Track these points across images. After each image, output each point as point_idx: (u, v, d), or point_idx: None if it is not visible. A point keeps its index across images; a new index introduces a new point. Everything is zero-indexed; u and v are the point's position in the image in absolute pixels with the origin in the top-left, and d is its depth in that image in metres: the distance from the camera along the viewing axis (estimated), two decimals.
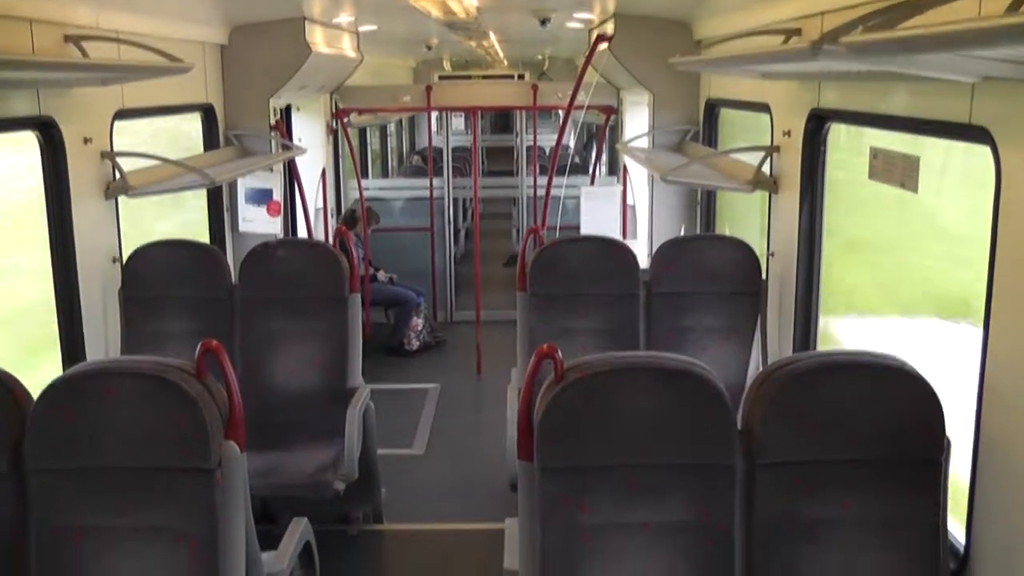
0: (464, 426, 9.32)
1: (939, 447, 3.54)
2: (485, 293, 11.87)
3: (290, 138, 9.79)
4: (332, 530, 6.65)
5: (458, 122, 23.22)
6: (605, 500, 3.59)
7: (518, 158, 15.93)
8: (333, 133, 11.54)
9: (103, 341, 6.10)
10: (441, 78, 18.86)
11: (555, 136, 11.37)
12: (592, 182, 11.51)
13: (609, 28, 8.90)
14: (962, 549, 3.86)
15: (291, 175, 9.49)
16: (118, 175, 6.23)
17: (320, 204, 10.97)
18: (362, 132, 16.91)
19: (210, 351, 3.73)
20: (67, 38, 5.45)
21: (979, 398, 3.76)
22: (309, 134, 10.65)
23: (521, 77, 17.04)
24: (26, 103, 5.28)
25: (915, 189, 4.57)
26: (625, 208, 10.61)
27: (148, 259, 6.30)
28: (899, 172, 4.69)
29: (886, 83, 4.58)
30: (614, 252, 6.38)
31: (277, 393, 6.43)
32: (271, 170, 8.63)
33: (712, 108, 8.47)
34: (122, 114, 6.38)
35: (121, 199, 6.38)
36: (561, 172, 10.91)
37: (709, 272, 6.22)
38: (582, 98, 9.57)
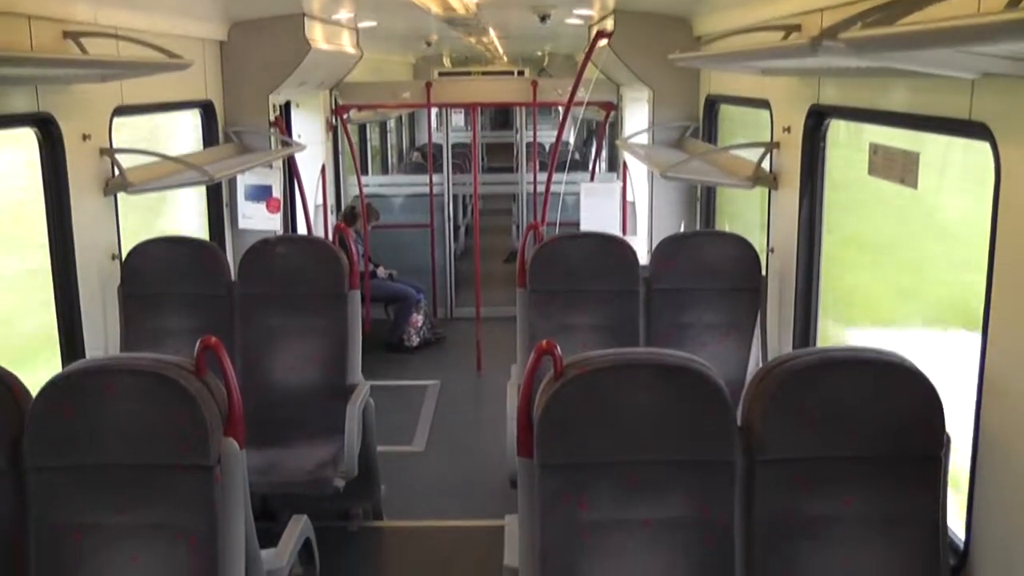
0: (464, 422, 9.32)
1: (939, 443, 3.54)
2: (485, 289, 11.87)
3: (289, 134, 9.78)
4: (332, 527, 6.65)
5: (458, 118, 23.24)
6: (605, 497, 3.59)
7: (518, 154, 15.93)
8: (333, 129, 11.53)
9: (102, 338, 6.09)
10: (441, 74, 18.82)
11: (555, 132, 11.37)
12: (592, 178, 11.50)
13: (609, 24, 8.89)
14: (962, 545, 3.86)
15: (291, 172, 9.48)
16: (117, 172, 6.22)
17: (320, 201, 10.96)
18: (362, 128, 16.89)
19: (209, 348, 3.73)
20: (66, 34, 5.44)
21: (978, 394, 3.75)
22: (308, 130, 10.64)
23: (521, 73, 17.01)
24: (25, 100, 5.28)
25: (915, 185, 4.56)
26: (625, 204, 10.61)
27: (147, 256, 6.29)
28: (899, 168, 4.68)
29: (886, 79, 4.57)
30: (614, 248, 6.38)
31: (277, 390, 6.43)
32: (270, 167, 8.63)
33: (712, 104, 8.47)
34: (121, 110, 6.37)
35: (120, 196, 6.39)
36: (561, 168, 10.90)
37: (709, 268, 6.22)
38: (582, 94, 9.56)
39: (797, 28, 5.29)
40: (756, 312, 6.14)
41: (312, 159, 10.53)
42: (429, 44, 16.48)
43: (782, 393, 3.53)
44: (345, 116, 11.61)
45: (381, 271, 11.85)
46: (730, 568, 3.61)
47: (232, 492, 3.71)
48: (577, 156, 18.40)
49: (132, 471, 3.68)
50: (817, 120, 5.69)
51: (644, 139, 9.19)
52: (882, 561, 3.58)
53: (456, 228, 14.72)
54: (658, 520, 3.60)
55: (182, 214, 8.81)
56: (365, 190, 11.91)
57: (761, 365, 4.40)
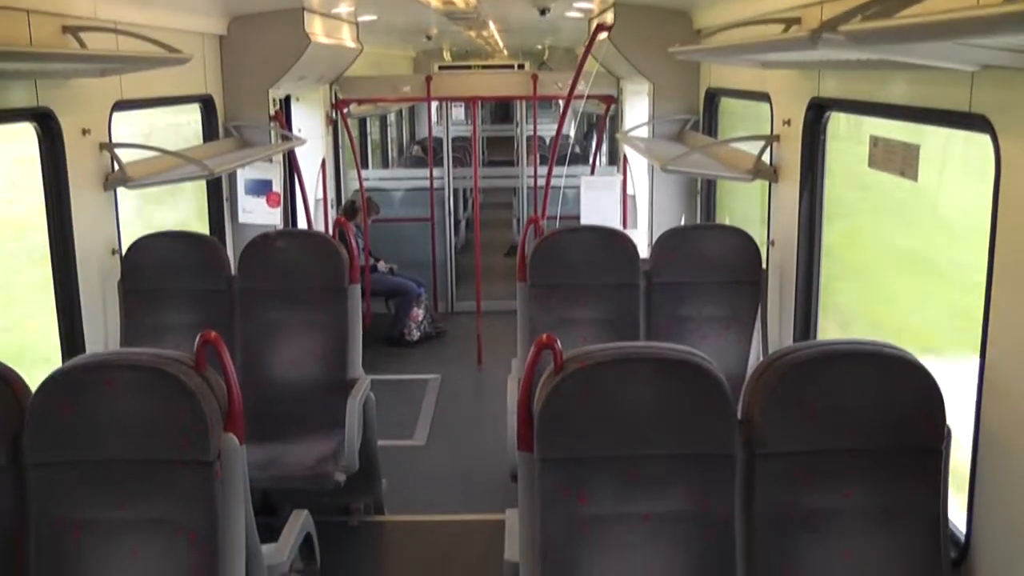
0: (465, 417, 9.32)
1: (940, 436, 3.53)
2: (485, 283, 11.87)
3: (290, 129, 9.77)
4: (333, 522, 6.66)
5: (458, 112, 23.20)
6: (605, 491, 3.58)
7: (518, 148, 15.90)
8: (333, 124, 11.52)
9: (102, 333, 6.09)
10: (441, 68, 18.79)
11: (555, 126, 11.36)
12: (592, 172, 11.52)
13: (609, 17, 8.88)
14: (963, 538, 3.86)
15: (291, 166, 9.48)
16: (117, 166, 6.22)
17: (320, 195, 10.96)
18: (362, 122, 16.89)
19: (209, 343, 3.73)
20: (65, 29, 5.44)
21: (979, 387, 3.75)
22: (309, 125, 10.63)
23: (521, 67, 16.98)
24: (24, 94, 5.27)
25: (915, 177, 4.56)
26: (625, 198, 10.61)
27: (147, 251, 6.29)
28: (899, 160, 4.68)
29: (886, 72, 4.57)
30: (614, 242, 6.37)
31: (277, 385, 6.42)
32: (271, 161, 8.62)
33: (712, 97, 8.46)
34: (121, 105, 6.36)
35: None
36: (561, 162, 10.89)
37: (709, 262, 6.22)
38: (582, 88, 9.56)
39: (797, 21, 5.28)
40: (756, 305, 6.13)
41: (312, 153, 10.53)
42: (429, 38, 16.49)
43: (782, 386, 3.52)
44: (345, 110, 11.60)
45: (381, 265, 11.85)
46: (730, 561, 3.61)
47: (232, 487, 3.71)
48: (577, 150, 18.40)
49: (132, 467, 3.68)
50: (817, 113, 5.68)
51: (644, 132, 9.18)
52: (883, 554, 3.58)
53: (456, 222, 14.71)
54: (658, 514, 3.60)
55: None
56: (365, 184, 11.90)
57: (761, 358, 4.40)
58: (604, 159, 14.83)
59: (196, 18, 7.71)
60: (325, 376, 6.43)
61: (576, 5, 10.37)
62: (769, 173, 6.36)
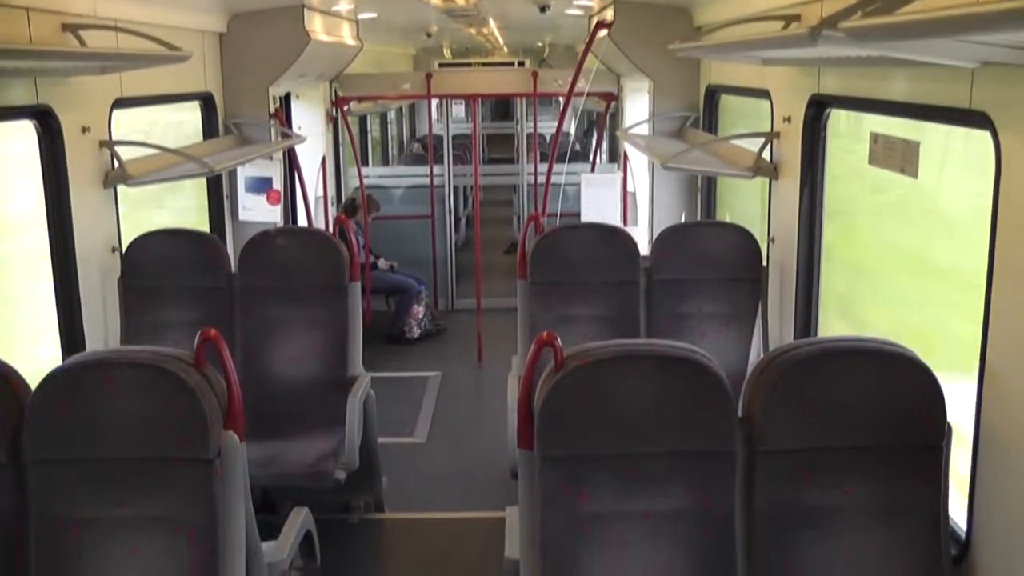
0: (465, 414, 9.32)
1: (940, 433, 3.53)
2: (486, 281, 11.87)
3: (290, 126, 9.77)
4: (333, 519, 6.65)
5: (458, 109, 23.18)
6: (605, 488, 3.58)
7: (518, 145, 15.90)
8: (333, 121, 11.52)
9: (102, 331, 6.09)
10: (441, 65, 18.84)
11: (555, 123, 11.36)
12: (592, 169, 11.51)
13: (609, 14, 8.88)
14: (963, 535, 3.86)
15: (291, 163, 9.48)
16: (117, 164, 6.21)
17: (320, 192, 10.96)
18: (362, 120, 16.88)
19: (209, 340, 3.73)
20: (65, 26, 5.44)
21: (979, 385, 3.75)
22: (309, 122, 10.63)
23: (521, 64, 17.01)
24: (24, 92, 5.27)
25: (915, 174, 4.56)
26: (625, 195, 10.60)
27: (147, 248, 6.29)
28: (899, 157, 4.67)
29: (886, 69, 4.56)
30: (614, 239, 6.37)
31: (277, 382, 6.42)
32: (271, 158, 8.62)
33: (712, 94, 8.45)
34: (121, 103, 6.36)
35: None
36: (561, 159, 10.90)
37: (709, 259, 6.22)
38: (582, 85, 9.55)
39: (797, 18, 5.28)
40: (757, 302, 6.13)
41: (312, 151, 10.52)
42: (429, 35, 16.50)
43: (783, 383, 3.52)
44: (345, 108, 11.60)
45: (382, 263, 11.85)
46: (731, 559, 3.61)
47: (232, 485, 3.71)
48: (578, 147, 18.39)
49: (132, 464, 3.68)
50: (817, 110, 5.68)
51: (644, 129, 9.18)
52: (883, 551, 3.58)
53: (457, 219, 14.71)
54: (659, 512, 3.60)
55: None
56: (365, 181, 11.90)
57: (762, 355, 4.40)
58: (604, 156, 14.84)
59: (196, 15, 7.71)
60: (325, 373, 6.43)
61: (576, 2, 10.38)
62: (769, 170, 6.36)
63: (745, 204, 8.26)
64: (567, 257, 6.29)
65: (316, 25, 8.78)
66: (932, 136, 4.58)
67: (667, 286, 6.28)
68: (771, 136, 6.33)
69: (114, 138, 6.26)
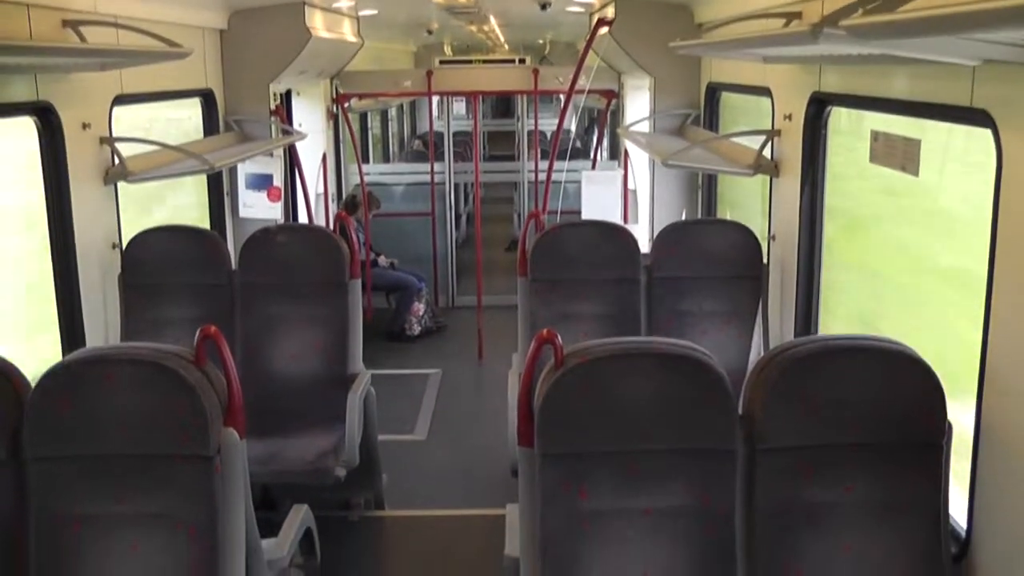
0: (465, 411, 9.32)
1: (940, 431, 3.53)
2: (486, 278, 11.87)
3: (290, 123, 9.77)
4: (333, 516, 6.66)
5: (459, 107, 23.20)
6: (605, 486, 3.58)
7: (519, 143, 15.88)
8: (334, 118, 11.52)
9: (103, 328, 6.09)
10: (442, 63, 18.73)
11: (556, 120, 11.36)
12: (593, 166, 11.49)
13: (610, 12, 8.87)
14: (963, 533, 3.86)
15: (291, 160, 9.48)
16: (117, 160, 6.21)
17: (321, 189, 10.95)
18: (363, 117, 16.87)
19: (209, 337, 3.72)
20: (65, 23, 5.43)
21: (980, 383, 3.75)
22: (309, 119, 10.63)
23: (522, 61, 16.93)
24: (24, 88, 5.27)
25: (916, 172, 4.55)
26: (626, 192, 10.58)
27: (148, 245, 6.28)
28: (900, 155, 4.67)
29: (887, 66, 4.55)
30: (615, 236, 6.37)
31: (277, 379, 6.42)
32: (271, 155, 8.62)
33: (713, 92, 8.45)
34: (121, 99, 6.36)
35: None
36: (562, 156, 10.88)
37: (710, 256, 6.22)
38: (583, 82, 9.54)
39: (798, 15, 5.27)
40: (757, 300, 6.13)
41: (313, 148, 10.52)
42: (430, 32, 16.49)
43: (783, 381, 3.52)
44: (346, 104, 11.59)
45: (382, 260, 11.84)
46: (731, 556, 3.61)
47: (232, 482, 3.71)
48: (578, 144, 18.38)
49: (132, 461, 3.68)
50: (818, 107, 5.67)
51: (645, 127, 9.18)
52: (884, 549, 3.58)
53: (457, 216, 14.71)
54: (659, 509, 3.59)
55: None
56: (366, 178, 11.90)
57: (762, 353, 4.39)
58: (605, 154, 14.84)
59: (196, 12, 7.70)
60: (325, 371, 6.43)
61: (577, 0, 10.37)
62: (770, 168, 6.35)
63: (746, 202, 8.26)
64: (568, 255, 6.29)
65: (317, 22, 8.78)
66: (958, 137, 4.56)
67: (667, 284, 6.28)
68: (772, 134, 6.33)
69: (114, 135, 6.26)
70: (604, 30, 8.83)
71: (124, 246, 6.30)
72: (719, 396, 3.52)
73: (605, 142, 14.48)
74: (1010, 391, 3.54)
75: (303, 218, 9.92)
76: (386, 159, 20.92)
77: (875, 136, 4.92)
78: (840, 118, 5.79)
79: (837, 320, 5.99)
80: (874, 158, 4.94)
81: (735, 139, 7.12)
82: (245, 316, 6.44)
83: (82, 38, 5.48)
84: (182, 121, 8.76)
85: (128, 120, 6.81)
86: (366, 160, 16.28)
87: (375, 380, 6.58)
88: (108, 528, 3.69)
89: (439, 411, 9.30)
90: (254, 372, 6.28)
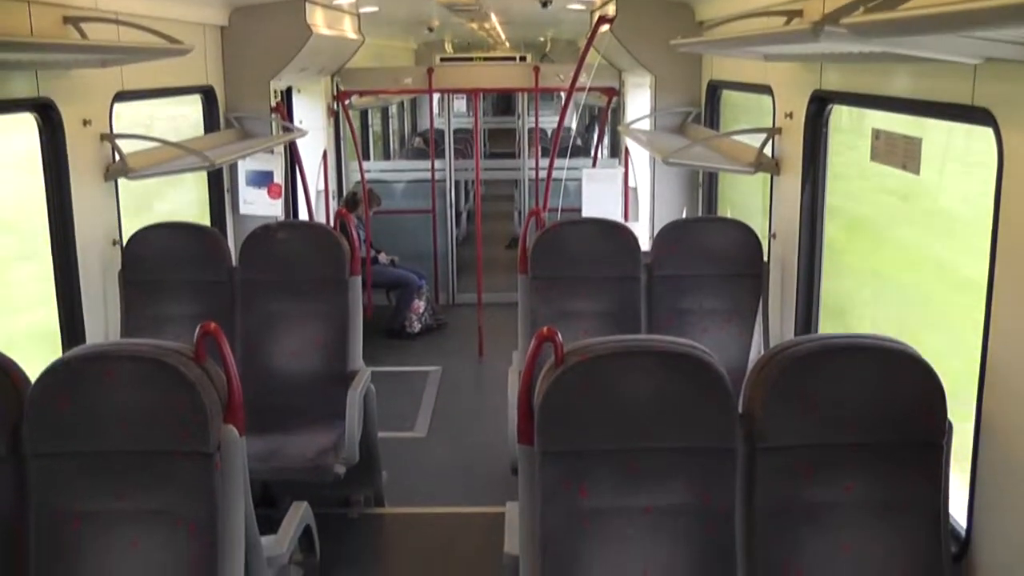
0: (465, 409, 9.32)
1: (940, 430, 3.53)
2: (487, 275, 11.86)
3: (291, 120, 9.77)
4: (333, 514, 6.66)
5: (460, 104, 23.19)
6: (605, 484, 3.58)
7: (520, 140, 15.88)
8: (334, 115, 11.51)
9: (103, 324, 6.09)
10: (443, 60, 18.73)
11: (557, 118, 11.35)
12: (594, 164, 11.49)
13: (611, 9, 8.86)
14: (963, 533, 3.86)
15: (292, 157, 9.47)
16: (118, 157, 6.21)
17: (321, 186, 10.95)
18: (363, 114, 16.85)
19: (209, 334, 3.72)
20: (66, 19, 5.43)
21: (980, 382, 3.74)
22: (310, 116, 10.62)
23: (523, 59, 16.92)
24: (25, 85, 5.26)
25: (917, 171, 4.55)
26: (627, 190, 10.58)
27: (148, 242, 6.29)
28: (901, 153, 4.66)
29: (888, 64, 4.55)
30: (615, 234, 6.37)
31: (277, 376, 6.42)
32: (272, 152, 8.62)
33: (714, 90, 8.45)
34: (122, 96, 6.36)
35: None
36: (563, 154, 10.85)
37: (710, 254, 6.22)
38: (584, 80, 9.53)
39: (799, 13, 5.26)
40: (758, 298, 6.13)
41: (313, 145, 10.51)
42: (431, 30, 16.47)
43: (783, 380, 3.52)
44: (347, 102, 11.58)
45: (383, 257, 11.84)
46: (731, 555, 3.61)
47: (232, 479, 3.70)
48: (579, 142, 18.35)
49: (132, 458, 3.67)
50: (819, 106, 5.67)
51: (646, 125, 9.17)
52: (883, 548, 3.58)
53: (458, 214, 14.70)
54: (659, 507, 3.59)
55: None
56: (367, 176, 11.89)
57: (763, 352, 4.39)
58: (606, 151, 14.82)
59: (197, 9, 7.70)
60: (326, 368, 6.43)
61: None
62: (771, 166, 6.35)
63: (746, 200, 8.25)
64: (568, 252, 6.29)
65: (318, 19, 8.77)
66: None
67: (668, 282, 6.28)
68: (773, 132, 6.33)
69: (115, 131, 6.26)
70: (605, 28, 8.82)
71: (124, 242, 6.29)
72: (719, 394, 3.52)
73: (606, 140, 14.46)
74: (1010, 391, 3.54)
75: (303, 215, 9.91)
76: (387, 156, 20.90)
77: (876, 134, 4.92)
78: (841, 116, 5.78)
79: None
80: (875, 156, 4.94)
81: (736, 137, 7.11)
82: (245, 313, 6.44)
83: (83, 34, 5.47)
84: (176, 119, 8.76)
85: (128, 117, 6.80)
86: (367, 157, 16.27)
87: (375, 377, 6.58)
88: (108, 524, 3.69)
89: (439, 408, 9.30)
90: (254, 369, 6.28)
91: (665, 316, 6.28)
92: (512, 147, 21.66)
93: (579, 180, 10.06)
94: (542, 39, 22.43)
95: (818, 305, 5.92)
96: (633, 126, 9.31)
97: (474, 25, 16.45)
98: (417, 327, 11.71)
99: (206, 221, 8.32)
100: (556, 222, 6.54)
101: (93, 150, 6.00)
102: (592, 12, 11.19)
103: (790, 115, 6.04)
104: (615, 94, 11.37)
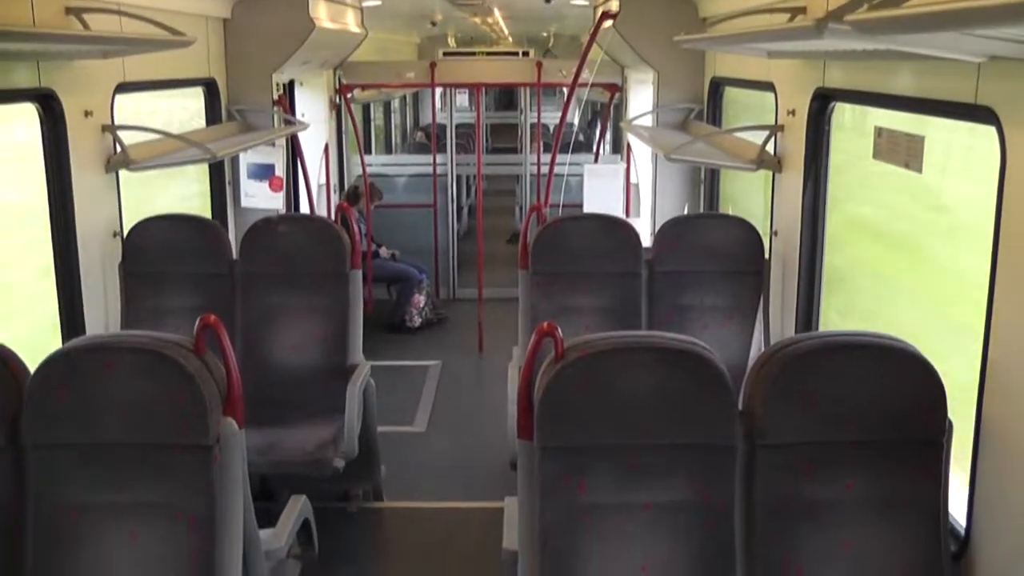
0: (465, 404, 9.32)
1: (941, 429, 3.53)
2: (487, 270, 11.86)
3: (293, 113, 9.76)
4: (331, 507, 6.65)
5: (462, 99, 23.20)
6: (605, 480, 3.58)
7: (522, 135, 15.87)
8: (336, 109, 11.50)
9: (103, 316, 6.09)
10: (445, 54, 18.78)
11: (559, 114, 11.34)
12: (596, 160, 11.50)
13: (614, 5, 8.85)
14: (963, 531, 3.85)
15: (294, 150, 9.47)
16: (119, 148, 6.20)
17: (323, 180, 10.94)
18: (366, 108, 16.86)
19: (209, 327, 3.71)
20: (68, 10, 5.42)
21: (981, 381, 3.74)
22: (312, 109, 10.62)
23: (526, 54, 16.95)
24: (26, 75, 5.26)
25: (919, 169, 4.54)
26: (628, 186, 10.59)
27: (149, 234, 6.28)
28: (903, 152, 4.66)
29: (891, 62, 4.55)
30: (617, 230, 6.37)
31: (277, 369, 6.42)
32: (273, 145, 8.61)
33: (717, 87, 8.44)
34: (123, 87, 6.35)
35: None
36: (565, 150, 10.86)
37: (712, 251, 6.22)
38: (586, 76, 9.52)
39: (803, 10, 5.26)
40: (758, 295, 6.13)
41: (315, 138, 10.51)
42: (434, 24, 16.45)
43: (784, 377, 3.51)
44: (349, 95, 11.58)
45: (383, 251, 11.83)
46: (730, 552, 3.60)
47: (231, 472, 3.70)
48: (581, 138, 18.37)
49: (131, 450, 3.67)
50: (822, 103, 5.66)
51: (648, 121, 9.16)
52: (883, 546, 3.58)
53: (459, 208, 14.68)
54: (658, 503, 3.59)
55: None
56: (368, 170, 11.89)
57: (763, 349, 4.39)
58: (608, 147, 14.83)
59: (200, 1, 7.69)
60: (325, 361, 6.43)
61: None
62: (773, 163, 6.34)
63: (748, 197, 8.25)
64: (569, 248, 6.29)
65: (321, 12, 8.76)
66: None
67: (669, 278, 6.28)
68: (775, 129, 6.32)
69: (116, 123, 6.25)
70: (608, 23, 8.81)
71: (125, 234, 6.29)
72: (719, 391, 3.51)
73: (608, 136, 14.48)
74: (1011, 388, 3.54)
75: (305, 208, 9.90)
76: (388, 150, 20.90)
77: (879, 132, 4.91)
78: (844, 114, 5.78)
79: None
80: (877, 154, 4.93)
81: (738, 134, 7.11)
82: (245, 306, 6.44)
83: (85, 25, 5.46)
84: (175, 112, 8.76)
85: (130, 109, 6.80)
86: (368, 151, 16.26)
87: (375, 371, 6.57)
88: (107, 517, 3.69)
89: (439, 403, 9.29)
90: (254, 362, 6.28)
91: (666, 312, 6.28)
92: (514, 142, 21.68)
93: (581, 176, 10.06)
94: (545, 34, 22.45)
95: (819, 302, 5.92)
96: (635, 122, 9.31)
97: (477, 20, 16.45)
98: (417, 321, 11.70)
99: (207, 214, 8.31)
100: (557, 218, 6.54)
101: (94, 141, 5.99)
102: (595, 8, 11.18)
103: (792, 112, 6.04)
104: (618, 90, 11.37)
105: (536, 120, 13.59)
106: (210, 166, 8.13)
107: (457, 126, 14.09)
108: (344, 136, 12.07)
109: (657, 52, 8.71)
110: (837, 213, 5.97)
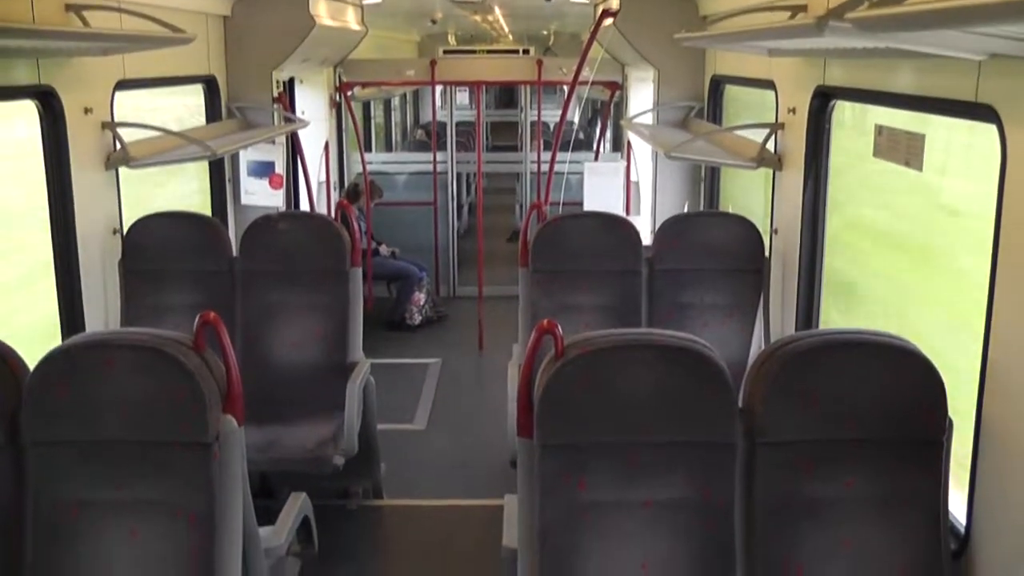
0: (465, 402, 9.32)
1: (941, 427, 3.52)
2: (487, 268, 11.85)
3: (293, 111, 9.75)
4: (331, 505, 6.65)
5: (462, 97, 23.20)
6: (605, 477, 3.58)
7: (522, 133, 15.86)
8: (336, 106, 11.50)
9: (103, 313, 6.08)
10: (446, 52, 18.78)
11: (559, 112, 11.33)
12: (596, 158, 11.50)
13: (615, 3, 8.85)
14: (963, 530, 3.85)
15: (294, 148, 9.46)
16: (119, 146, 6.20)
17: (323, 177, 10.94)
18: (366, 105, 16.85)
19: (209, 324, 3.71)
20: (68, 7, 5.42)
21: (981, 380, 3.74)
22: (312, 107, 10.61)
23: (526, 52, 16.95)
24: (26, 72, 5.25)
25: (920, 167, 4.54)
26: (629, 184, 10.57)
27: (149, 231, 6.28)
28: (903, 150, 4.65)
29: (892, 60, 4.54)
30: (617, 228, 6.37)
31: (277, 367, 6.41)
32: (273, 143, 8.60)
33: (717, 85, 8.43)
34: (123, 84, 6.34)
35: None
36: (565, 148, 10.85)
37: (712, 249, 6.21)
38: (587, 74, 9.51)
39: (803, 8, 5.25)
40: (759, 293, 6.12)
41: (315, 136, 10.51)
42: (434, 22, 16.46)
43: (784, 375, 3.51)
44: (349, 93, 11.57)
45: (383, 249, 11.83)
46: (730, 549, 3.60)
47: (230, 469, 3.70)
48: (581, 136, 18.35)
49: (130, 447, 3.66)
50: (822, 101, 5.66)
51: (649, 119, 9.16)
52: (883, 544, 3.58)
53: (459, 206, 14.68)
54: (658, 501, 3.59)
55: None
56: (368, 167, 11.89)
57: (763, 347, 4.39)
58: (608, 145, 14.82)
59: None
60: (325, 359, 6.42)
61: None
62: (773, 161, 6.34)
63: (748, 195, 8.24)
64: (569, 246, 6.29)
65: (321, 9, 8.76)
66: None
67: (669, 276, 6.27)
68: (775, 127, 6.32)
69: (116, 120, 6.25)
70: (608, 21, 8.80)
71: (125, 231, 6.29)
72: (719, 389, 3.51)
73: (608, 134, 14.47)
74: (1011, 387, 3.53)
75: (305, 206, 9.90)
76: (388, 148, 20.90)
77: (879, 130, 4.91)
78: (844, 112, 5.77)
79: None
80: (878, 152, 4.93)
81: (738, 132, 7.11)
82: (245, 303, 6.44)
83: (85, 22, 5.46)
84: (174, 109, 8.75)
85: (130, 106, 6.79)
86: (368, 149, 16.25)
87: (375, 369, 6.57)
88: (106, 514, 3.69)
89: (439, 401, 9.29)
90: (254, 359, 6.28)
91: (666, 310, 6.28)
92: (514, 140, 21.67)
93: (581, 174, 10.04)
94: (545, 32, 22.43)
95: (819, 300, 5.91)
96: (636, 120, 9.30)
97: (477, 18, 16.44)
98: (417, 319, 11.70)
99: (207, 211, 8.30)
100: (557, 215, 6.55)
101: (94, 138, 5.99)
102: (596, 6, 11.17)
103: (793, 111, 6.03)
104: (618, 88, 11.36)
105: (536, 118, 13.57)
106: (210, 163, 8.13)
107: (457, 124, 14.09)
108: (344, 134, 12.06)
109: (657, 50, 8.70)
110: (837, 214, 5.98)
